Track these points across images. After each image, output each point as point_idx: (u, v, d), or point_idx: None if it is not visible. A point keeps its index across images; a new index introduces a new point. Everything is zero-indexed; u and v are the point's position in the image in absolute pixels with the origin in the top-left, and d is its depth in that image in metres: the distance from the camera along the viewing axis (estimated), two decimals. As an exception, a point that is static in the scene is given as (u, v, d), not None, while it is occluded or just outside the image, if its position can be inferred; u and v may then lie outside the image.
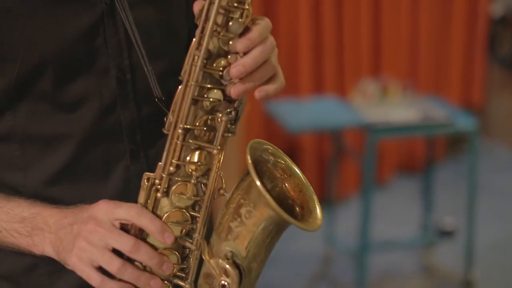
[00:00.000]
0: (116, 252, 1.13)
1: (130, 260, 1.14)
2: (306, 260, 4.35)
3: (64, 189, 1.26)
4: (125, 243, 1.12)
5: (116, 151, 1.26)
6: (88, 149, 1.25)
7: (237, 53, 1.11)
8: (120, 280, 1.14)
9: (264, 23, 1.13)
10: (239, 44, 1.09)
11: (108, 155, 1.26)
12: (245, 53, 1.11)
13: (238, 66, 1.09)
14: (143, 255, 1.13)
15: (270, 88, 1.15)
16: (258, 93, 1.14)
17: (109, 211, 1.13)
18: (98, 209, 1.14)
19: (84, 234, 1.13)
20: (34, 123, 1.22)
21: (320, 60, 4.96)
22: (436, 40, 5.54)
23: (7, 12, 1.16)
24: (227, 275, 1.12)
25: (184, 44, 1.30)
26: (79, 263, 1.13)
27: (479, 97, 5.91)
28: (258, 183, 1.07)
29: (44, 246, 1.18)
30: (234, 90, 1.10)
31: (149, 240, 1.15)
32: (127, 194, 1.20)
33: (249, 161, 1.09)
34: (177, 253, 1.16)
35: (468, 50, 5.75)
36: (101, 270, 1.14)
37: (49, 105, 1.21)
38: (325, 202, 4.72)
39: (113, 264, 1.12)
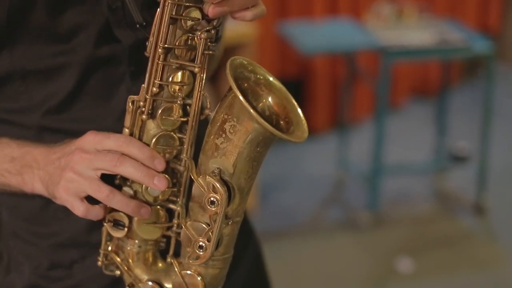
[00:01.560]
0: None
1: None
2: (318, 184, 4.35)
3: (67, 117, 1.25)
4: (110, 159, 1.11)
5: (116, 74, 1.25)
6: (89, 75, 1.23)
7: None
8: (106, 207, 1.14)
9: None
10: None
11: (109, 79, 1.25)
12: None
13: None
14: (128, 167, 1.11)
15: (248, 14, 1.12)
16: (235, 16, 1.12)
17: (97, 142, 1.12)
18: (85, 140, 1.13)
19: (71, 165, 1.12)
20: (33, 57, 1.21)
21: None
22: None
23: None
24: (215, 192, 1.11)
25: None
26: (65, 194, 1.13)
27: (496, 21, 5.83)
28: (239, 95, 1.06)
29: (33, 183, 1.18)
30: (212, 10, 1.08)
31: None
32: None
33: (230, 76, 1.08)
34: (167, 176, 1.14)
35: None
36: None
37: (44, 38, 1.20)
38: (338, 126, 4.71)
39: (101, 191, 1.11)
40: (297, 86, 4.97)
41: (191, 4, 1.10)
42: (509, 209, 4.21)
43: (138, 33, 1.21)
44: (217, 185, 1.11)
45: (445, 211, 4.25)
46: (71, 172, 1.12)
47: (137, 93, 1.15)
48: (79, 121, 1.24)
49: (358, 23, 4.33)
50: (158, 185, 1.12)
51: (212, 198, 1.11)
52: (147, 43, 1.13)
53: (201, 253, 1.15)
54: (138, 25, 1.19)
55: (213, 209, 1.12)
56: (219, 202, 1.11)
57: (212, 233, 1.13)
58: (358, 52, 4.39)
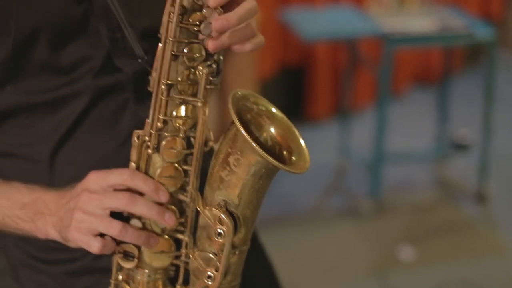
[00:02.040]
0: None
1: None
2: (319, 171, 4.34)
3: (74, 144, 1.27)
4: (121, 198, 1.14)
5: (120, 100, 1.28)
6: (93, 104, 1.26)
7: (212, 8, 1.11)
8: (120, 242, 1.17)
9: None
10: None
11: (113, 107, 1.28)
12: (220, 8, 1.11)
13: (222, 20, 1.09)
14: (141, 206, 1.15)
15: (247, 46, 1.14)
16: (234, 48, 1.14)
17: (101, 179, 1.15)
18: (89, 180, 1.15)
19: (80, 205, 1.14)
20: (37, 91, 1.24)
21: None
22: None
23: None
24: (222, 223, 1.14)
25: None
26: (78, 234, 1.15)
27: (498, 8, 5.81)
28: (242, 130, 1.09)
29: (47, 229, 1.20)
30: (211, 44, 1.11)
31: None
32: None
33: (231, 110, 1.11)
34: (174, 208, 1.18)
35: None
36: None
37: (48, 72, 1.22)
38: (339, 113, 4.70)
39: (114, 227, 1.14)
40: (299, 74, 4.96)
41: (191, 41, 1.13)
42: (511, 197, 4.20)
43: (138, 64, 1.23)
44: (223, 217, 1.14)
45: (446, 199, 4.25)
46: (81, 212, 1.14)
47: (141, 118, 1.18)
48: (85, 148, 1.27)
49: (360, 9, 4.32)
50: (168, 221, 1.16)
51: (219, 230, 1.15)
52: (149, 78, 1.16)
53: (209, 282, 1.18)
54: (139, 59, 1.21)
55: (220, 240, 1.15)
56: (226, 234, 1.14)
57: (219, 263, 1.16)
58: (359, 39, 4.38)
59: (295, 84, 4.99)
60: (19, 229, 1.23)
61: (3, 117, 1.26)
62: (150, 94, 1.17)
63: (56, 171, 1.26)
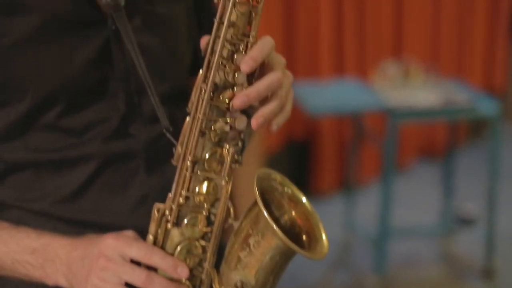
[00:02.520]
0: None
1: None
2: (324, 246, 4.29)
3: (80, 207, 1.27)
4: (138, 276, 1.13)
5: (130, 167, 1.27)
6: (102, 169, 1.26)
7: (242, 85, 1.13)
8: None
9: (263, 40, 1.15)
10: (244, 65, 1.11)
11: (123, 172, 1.27)
12: (250, 81, 1.13)
13: (242, 97, 1.11)
14: (158, 286, 1.14)
15: (274, 124, 1.17)
16: (257, 124, 1.14)
17: (119, 250, 1.14)
18: (107, 245, 1.15)
19: (96, 271, 1.14)
20: (46, 149, 1.24)
21: (341, 41, 4.90)
22: (458, 22, 5.47)
23: (14, 45, 1.18)
24: None
25: (187, 68, 1.34)
26: None
27: (501, 81, 5.84)
28: (265, 213, 1.11)
29: (57, 277, 1.19)
30: (238, 122, 1.13)
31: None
32: (145, 209, 1.21)
33: (256, 191, 1.12)
34: (188, 283, 1.18)
35: (491, 32, 5.68)
36: None
37: (59, 131, 1.23)
38: (344, 187, 4.68)
39: None
40: (304, 147, 4.96)
41: (220, 119, 1.14)
42: (517, 273, 4.15)
43: (152, 129, 1.24)
44: None
45: (453, 274, 4.20)
46: (97, 279, 1.14)
47: (151, 187, 1.20)
48: (91, 212, 1.26)
49: (365, 83, 4.34)
50: None
51: None
52: (173, 150, 1.16)
53: None
54: (164, 130, 1.22)
55: None
56: None
57: None
58: (364, 113, 4.38)
59: (301, 158, 4.99)
60: (28, 275, 1.22)
61: (10, 171, 1.25)
62: (161, 162, 1.19)
63: (59, 230, 1.24)
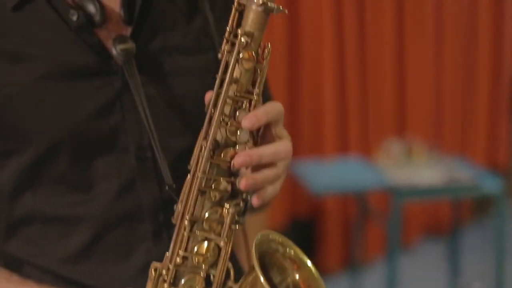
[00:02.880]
0: None
1: None
2: (329, 325, 4.25)
3: (83, 269, 1.24)
4: None
5: (137, 232, 1.23)
6: (108, 230, 1.22)
7: (245, 143, 1.10)
8: None
9: (272, 103, 1.13)
10: (245, 120, 1.08)
11: (129, 236, 1.24)
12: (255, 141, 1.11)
13: (244, 157, 1.08)
14: None
15: (259, 196, 1.12)
16: (245, 184, 1.10)
17: None
18: None
19: None
20: (53, 204, 1.21)
21: (344, 119, 4.93)
22: (461, 100, 5.51)
23: (20, 93, 1.16)
24: None
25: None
26: None
27: (505, 158, 5.85)
28: (262, 280, 1.07)
29: None
30: (243, 182, 1.09)
31: None
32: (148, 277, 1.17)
33: (254, 255, 1.09)
34: None
35: (493, 110, 5.71)
36: None
37: (66, 186, 1.20)
38: (349, 266, 4.65)
39: None
40: (308, 226, 4.94)
41: (221, 178, 1.11)
42: None
43: (163, 190, 1.20)
44: None
45: None
46: None
47: (157, 254, 1.15)
48: (95, 276, 1.23)
49: (368, 161, 4.35)
50: None
51: None
52: (174, 207, 1.13)
53: None
54: (167, 187, 1.18)
55: None
56: None
57: None
58: (368, 192, 4.38)
59: (305, 237, 4.97)
60: None
61: (20, 224, 1.23)
62: (170, 227, 1.14)
63: None
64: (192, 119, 1.17)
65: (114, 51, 1.17)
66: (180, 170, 1.15)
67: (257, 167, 1.11)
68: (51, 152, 1.17)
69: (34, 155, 1.17)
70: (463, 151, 5.34)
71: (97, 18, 1.18)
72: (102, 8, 1.18)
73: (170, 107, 1.22)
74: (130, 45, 1.18)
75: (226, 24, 1.10)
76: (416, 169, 4.07)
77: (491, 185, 3.97)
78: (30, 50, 1.16)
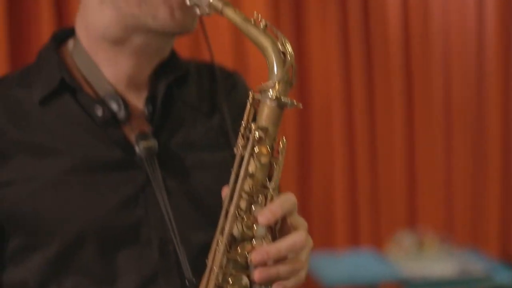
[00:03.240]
0: None
1: None
2: None
3: None
4: None
5: None
6: None
7: (263, 238, 1.10)
8: None
9: (285, 195, 1.12)
10: (261, 217, 1.08)
11: None
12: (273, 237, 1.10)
13: (262, 253, 1.07)
14: None
15: (288, 285, 1.11)
16: (259, 276, 1.09)
17: None
18: None
19: None
20: None
21: (355, 211, 4.93)
22: (472, 190, 5.50)
23: (45, 187, 1.17)
24: None
25: None
26: None
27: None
28: None
29: None
30: (257, 275, 1.08)
31: None
32: None
33: None
34: None
35: (505, 200, 5.69)
36: None
37: (90, 279, 1.19)
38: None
39: None
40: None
41: (237, 272, 1.10)
42: None
43: (184, 285, 1.19)
44: None
45: None
46: None
47: None
48: None
49: (380, 253, 4.33)
50: None
51: None
52: None
53: None
54: (187, 282, 1.18)
55: None
56: None
57: None
58: (380, 284, 4.36)
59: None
60: None
61: None
62: None
63: None
64: (212, 213, 1.17)
65: (137, 149, 1.19)
66: (201, 264, 1.14)
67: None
68: (76, 244, 1.17)
69: (59, 248, 1.17)
70: (475, 242, 5.32)
71: (121, 114, 1.20)
72: (126, 105, 1.21)
73: (191, 201, 1.23)
74: (152, 142, 1.20)
75: (242, 120, 1.11)
76: (427, 261, 4.05)
77: (504, 277, 3.95)
78: (56, 144, 1.18)
